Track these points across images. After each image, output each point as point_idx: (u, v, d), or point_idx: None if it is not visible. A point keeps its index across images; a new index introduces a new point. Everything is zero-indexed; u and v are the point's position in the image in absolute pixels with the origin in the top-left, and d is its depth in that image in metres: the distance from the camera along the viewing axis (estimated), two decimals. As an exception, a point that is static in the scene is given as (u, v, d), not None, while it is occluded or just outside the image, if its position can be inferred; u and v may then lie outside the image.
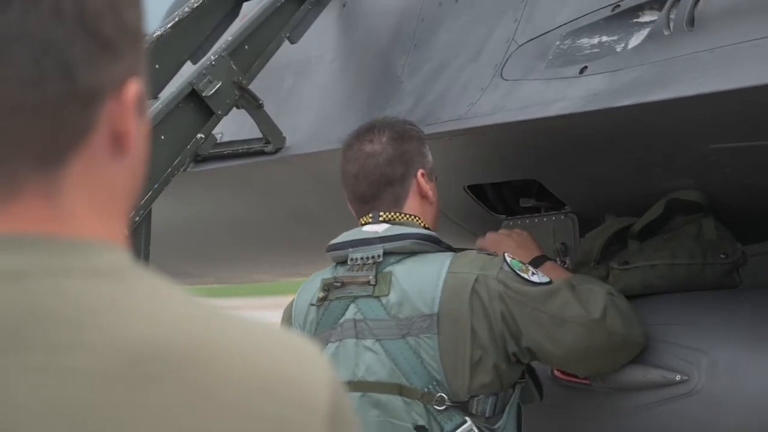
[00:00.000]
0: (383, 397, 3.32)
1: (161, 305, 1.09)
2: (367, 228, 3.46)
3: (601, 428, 3.63)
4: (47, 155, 1.08)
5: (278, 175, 4.73)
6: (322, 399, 1.11)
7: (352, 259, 3.43)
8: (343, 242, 3.48)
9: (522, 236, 3.80)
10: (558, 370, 3.68)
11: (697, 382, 3.39)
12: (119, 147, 1.12)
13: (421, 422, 3.30)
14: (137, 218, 3.91)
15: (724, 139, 3.27)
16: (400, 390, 3.30)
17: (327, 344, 3.39)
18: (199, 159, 4.55)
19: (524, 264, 3.39)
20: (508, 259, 3.36)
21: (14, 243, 1.07)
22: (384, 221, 3.46)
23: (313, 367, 1.13)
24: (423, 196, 3.51)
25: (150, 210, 3.98)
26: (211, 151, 4.42)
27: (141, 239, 3.95)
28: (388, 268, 3.37)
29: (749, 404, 3.29)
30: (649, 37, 3.32)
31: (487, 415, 3.32)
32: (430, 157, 3.58)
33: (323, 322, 3.45)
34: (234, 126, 4.67)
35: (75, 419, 1.02)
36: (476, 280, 3.29)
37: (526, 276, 3.33)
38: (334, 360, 3.34)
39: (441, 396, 3.29)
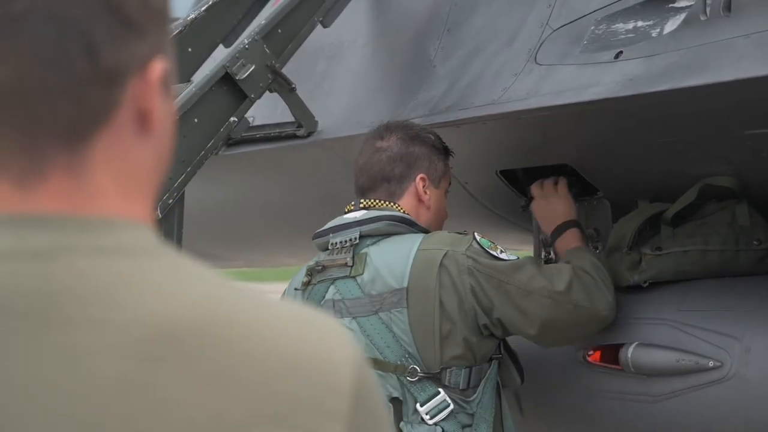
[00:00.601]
0: None
1: (184, 284, 1.09)
2: (347, 215, 3.63)
3: (633, 414, 3.63)
4: (72, 134, 1.09)
5: (310, 158, 4.73)
6: (345, 377, 1.10)
7: (332, 244, 3.59)
8: (325, 229, 3.66)
9: (553, 200, 3.91)
10: (590, 355, 3.68)
11: (730, 368, 3.38)
12: (144, 126, 1.12)
13: (396, 394, 3.44)
14: (170, 201, 3.92)
15: (760, 125, 3.25)
16: (374, 364, 3.40)
17: None
18: (232, 142, 4.55)
19: (493, 243, 3.53)
20: (478, 237, 3.51)
21: (42, 222, 1.07)
22: (363, 207, 3.63)
23: (337, 346, 1.12)
24: (419, 199, 3.64)
25: (183, 193, 3.99)
26: (243, 134, 4.43)
27: (174, 222, 3.96)
28: (364, 250, 3.53)
29: None
30: (685, 22, 3.30)
31: (461, 387, 3.44)
32: (440, 166, 3.71)
33: (307, 305, 3.51)
34: (266, 109, 4.67)
35: (99, 395, 1.02)
36: (445, 255, 3.44)
37: (494, 253, 3.49)
38: None
39: (413, 368, 3.42)
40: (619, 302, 3.65)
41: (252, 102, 4.22)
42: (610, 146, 3.74)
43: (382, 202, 3.63)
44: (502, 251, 3.52)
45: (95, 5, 1.07)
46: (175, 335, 1.04)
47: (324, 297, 3.57)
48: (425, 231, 3.57)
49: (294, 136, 4.57)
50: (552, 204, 3.90)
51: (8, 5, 1.06)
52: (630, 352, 3.58)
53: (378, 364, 3.42)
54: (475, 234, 3.53)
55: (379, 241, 3.54)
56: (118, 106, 1.10)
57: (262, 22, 4.31)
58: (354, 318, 3.49)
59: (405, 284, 3.43)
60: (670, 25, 3.38)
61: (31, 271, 1.05)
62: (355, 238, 3.55)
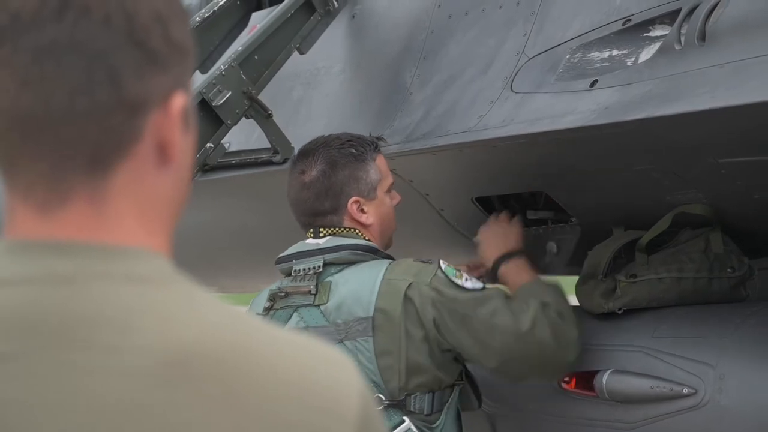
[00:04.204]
0: None
1: (197, 313, 1.12)
2: (309, 241, 3.62)
3: (608, 440, 3.63)
4: (95, 162, 1.12)
5: (286, 185, 4.73)
6: (351, 407, 1.13)
7: (295, 271, 3.58)
8: (288, 255, 3.64)
9: (505, 228, 3.90)
10: (566, 382, 3.69)
11: (704, 395, 3.39)
12: (164, 157, 1.15)
13: None
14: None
15: (734, 153, 3.28)
16: None
17: None
18: (208, 168, 4.55)
19: (458, 270, 3.51)
20: (443, 266, 3.49)
21: (62, 249, 1.11)
22: (325, 235, 3.61)
23: (343, 375, 1.15)
24: (358, 221, 3.62)
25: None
26: (219, 160, 4.43)
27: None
28: (328, 278, 3.52)
29: (756, 418, 3.29)
30: (660, 51, 3.33)
31: (425, 413, 3.45)
32: (372, 174, 3.66)
33: None
34: (242, 136, 4.68)
35: (112, 418, 1.05)
36: (409, 286, 3.43)
37: (459, 282, 3.47)
38: None
39: (378, 396, 3.40)
40: (594, 329, 3.66)
41: (228, 128, 4.23)
42: (584, 174, 3.76)
43: (343, 229, 3.61)
44: (467, 279, 3.50)
45: (120, 38, 1.11)
46: (187, 362, 1.08)
47: (286, 324, 3.54)
48: (388, 257, 3.58)
49: (270, 162, 4.57)
50: (499, 232, 3.89)
51: (37, 34, 1.09)
52: (605, 379, 3.59)
53: None
54: (441, 262, 3.51)
55: (343, 269, 3.53)
56: (140, 137, 1.13)
57: (239, 48, 4.32)
58: None
59: (371, 313, 3.42)
60: (645, 54, 3.40)
61: (50, 296, 1.08)
62: (319, 267, 3.54)
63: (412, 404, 3.44)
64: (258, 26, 4.46)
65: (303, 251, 3.60)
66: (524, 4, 3.90)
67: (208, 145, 4.15)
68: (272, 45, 4.36)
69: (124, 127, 1.12)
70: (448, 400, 3.50)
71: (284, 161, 4.52)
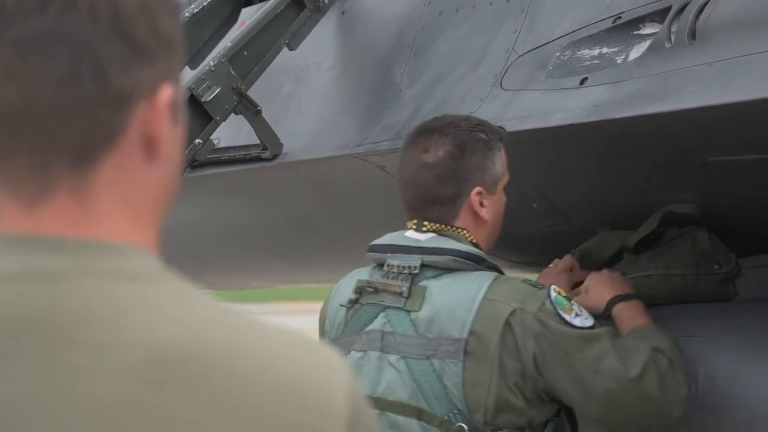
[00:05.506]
0: (401, 419, 3.11)
1: (188, 309, 1.11)
2: (409, 234, 3.24)
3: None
4: (80, 155, 1.10)
5: (275, 181, 4.73)
6: (342, 406, 1.12)
7: (388, 265, 3.22)
8: (383, 245, 3.27)
9: (613, 274, 3.57)
10: None
11: (694, 394, 3.39)
12: (151, 151, 1.14)
13: None
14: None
15: (723, 152, 3.28)
16: (419, 414, 3.09)
17: (350, 350, 3.22)
18: (197, 164, 4.55)
19: (569, 301, 3.15)
20: (553, 295, 3.12)
21: (47, 244, 1.10)
22: (428, 230, 3.22)
23: (335, 374, 1.14)
24: (476, 215, 3.24)
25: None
26: (208, 156, 4.43)
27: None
28: (424, 282, 3.16)
29: (745, 416, 3.30)
30: (650, 49, 3.33)
31: None
32: (497, 166, 3.29)
33: (350, 325, 3.25)
34: (231, 132, 4.67)
35: (102, 416, 1.04)
36: (512, 313, 3.06)
37: (568, 317, 3.10)
38: (356, 371, 3.16)
39: (460, 426, 3.06)
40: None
41: (217, 124, 4.23)
42: (574, 172, 3.76)
43: (451, 227, 3.21)
44: (577, 314, 3.11)
45: (106, 30, 1.10)
46: (177, 359, 1.07)
47: (371, 323, 3.21)
48: (494, 267, 3.21)
49: (259, 159, 4.57)
50: (609, 276, 3.56)
51: (20, 26, 1.08)
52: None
53: (423, 415, 3.09)
54: (551, 289, 3.13)
55: (441, 274, 3.15)
56: (126, 130, 1.12)
57: (228, 44, 4.32)
58: (403, 357, 3.12)
59: (464, 335, 3.05)
60: (635, 52, 3.40)
61: (36, 293, 1.07)
62: (416, 267, 3.16)
63: None
64: (248, 22, 4.46)
65: (400, 245, 3.23)
66: (514, 2, 3.90)
67: (196, 141, 4.15)
68: (262, 41, 4.36)
69: (109, 120, 1.11)
70: None
71: (273, 157, 4.52)
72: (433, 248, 3.17)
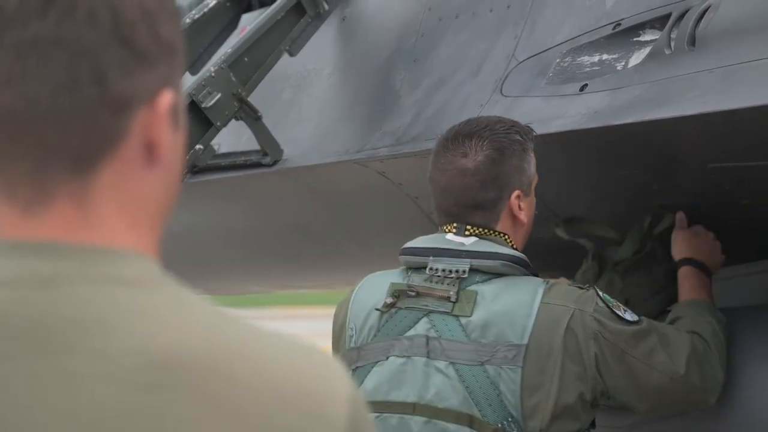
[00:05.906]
0: (452, 426, 3.01)
1: (185, 315, 1.10)
2: (451, 237, 3.15)
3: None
4: (79, 161, 1.10)
5: (275, 187, 4.73)
6: (341, 413, 1.12)
7: (431, 269, 3.11)
8: (424, 248, 3.17)
9: (707, 238, 3.56)
10: None
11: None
12: (151, 157, 1.13)
13: None
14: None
15: (722, 158, 3.28)
16: (470, 421, 3.00)
17: (388, 356, 3.10)
18: (197, 170, 4.55)
19: (615, 299, 3.18)
20: (601, 294, 3.12)
21: (45, 249, 1.09)
22: (471, 234, 3.15)
23: (333, 380, 1.14)
24: (514, 217, 3.19)
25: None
26: (209, 162, 4.43)
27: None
28: (473, 287, 3.08)
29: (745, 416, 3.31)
30: (650, 56, 3.33)
31: None
32: (531, 167, 3.25)
33: (385, 329, 3.14)
34: (232, 138, 4.67)
35: (98, 421, 1.04)
36: (572, 315, 3.04)
37: (619, 313, 3.10)
38: (399, 377, 3.08)
39: None
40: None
41: (218, 130, 4.23)
42: (573, 178, 3.76)
43: (492, 231, 3.15)
44: (625, 310, 3.14)
45: (106, 35, 1.09)
46: (175, 365, 1.06)
47: (412, 328, 3.10)
48: (535, 272, 3.16)
49: (259, 165, 4.57)
50: (699, 236, 3.55)
51: (20, 30, 1.08)
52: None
53: (475, 422, 3.00)
54: (597, 289, 3.14)
55: (490, 279, 3.09)
56: (126, 135, 1.11)
57: (229, 50, 4.32)
58: (452, 363, 3.03)
59: (525, 341, 2.99)
60: (635, 59, 3.41)
61: (33, 298, 1.07)
62: (464, 271, 3.08)
63: None
64: (248, 28, 4.46)
65: (444, 248, 3.13)
66: (515, 8, 3.91)
67: (197, 146, 4.15)
68: (262, 47, 4.36)
69: (109, 125, 1.10)
70: None
71: (273, 163, 4.52)
72: (482, 252, 3.11)
